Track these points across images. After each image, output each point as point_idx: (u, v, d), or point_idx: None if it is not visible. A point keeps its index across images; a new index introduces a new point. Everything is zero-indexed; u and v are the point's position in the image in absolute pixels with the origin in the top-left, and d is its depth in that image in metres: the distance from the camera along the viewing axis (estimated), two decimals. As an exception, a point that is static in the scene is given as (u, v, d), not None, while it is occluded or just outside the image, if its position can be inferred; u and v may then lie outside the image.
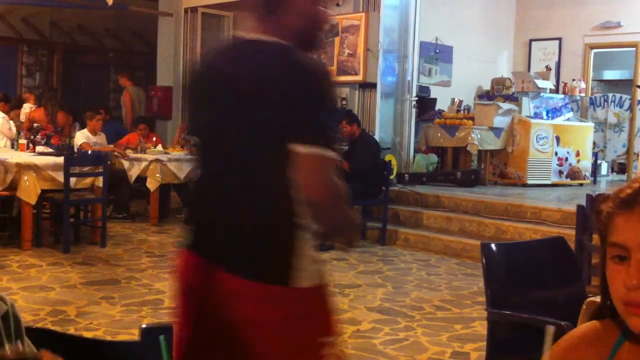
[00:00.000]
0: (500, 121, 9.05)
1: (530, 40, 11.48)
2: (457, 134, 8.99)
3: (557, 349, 1.20)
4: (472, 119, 9.19)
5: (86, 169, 6.84)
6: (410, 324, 4.61)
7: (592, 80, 11.81)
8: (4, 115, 8.68)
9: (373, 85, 8.65)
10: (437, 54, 10.34)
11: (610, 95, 12.02)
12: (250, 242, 1.78)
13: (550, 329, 2.47)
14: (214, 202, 1.88)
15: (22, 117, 9.57)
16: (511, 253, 2.97)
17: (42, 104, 9.27)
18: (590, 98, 11.68)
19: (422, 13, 9.14)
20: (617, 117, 11.71)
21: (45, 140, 7.84)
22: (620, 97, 11.80)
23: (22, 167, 6.40)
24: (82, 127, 8.61)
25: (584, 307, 2.11)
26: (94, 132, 8.18)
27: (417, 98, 9.22)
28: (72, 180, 6.53)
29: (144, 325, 1.47)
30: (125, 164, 8.11)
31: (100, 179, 6.77)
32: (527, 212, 7.14)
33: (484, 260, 2.80)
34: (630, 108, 11.31)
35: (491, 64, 10.95)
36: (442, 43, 10.36)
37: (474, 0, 10.89)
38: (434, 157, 9.53)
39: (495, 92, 9.88)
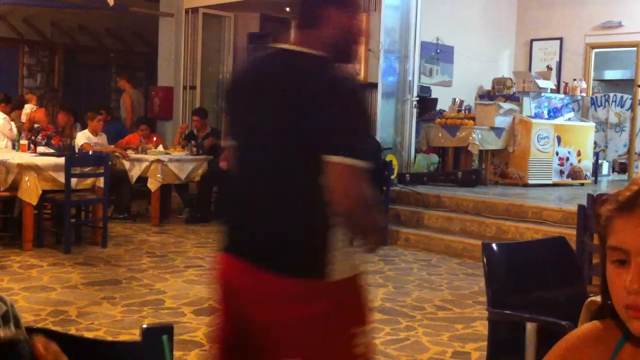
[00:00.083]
0: (501, 121, 9.05)
1: (531, 40, 11.47)
2: (458, 134, 8.99)
3: (558, 349, 1.20)
4: (473, 118, 9.19)
5: (87, 169, 6.84)
6: (411, 324, 4.61)
7: (593, 80, 11.81)
8: (4, 116, 8.69)
9: (374, 86, 8.65)
10: (438, 54, 10.34)
11: (611, 95, 12.02)
12: (287, 241, 1.88)
13: (532, 326, 2.49)
14: (252, 206, 1.96)
15: (23, 118, 9.58)
16: (512, 253, 2.96)
17: (43, 104, 9.29)
18: (591, 98, 11.68)
19: (422, 13, 9.14)
20: (618, 117, 11.70)
21: (45, 140, 7.85)
22: (622, 97, 11.79)
23: (23, 168, 6.41)
24: (83, 127, 8.61)
25: (585, 306, 2.11)
26: (95, 133, 8.18)
27: (418, 98, 9.22)
28: (73, 180, 6.53)
29: (144, 326, 1.47)
30: (126, 164, 8.11)
31: (101, 179, 6.77)
32: (528, 212, 7.13)
33: (485, 260, 2.80)
34: (632, 108, 11.30)
35: (492, 64, 10.94)
36: (443, 43, 10.35)
37: (474, 0, 10.88)
38: (434, 157, 9.53)
39: (496, 92, 9.88)
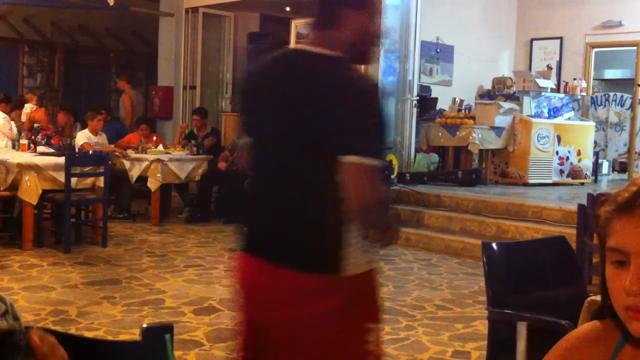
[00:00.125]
0: (501, 120, 9.05)
1: (531, 40, 11.46)
2: (458, 133, 8.99)
3: (558, 349, 1.20)
4: (473, 118, 9.19)
5: (87, 169, 6.84)
6: (411, 324, 4.61)
7: (593, 79, 11.80)
8: (4, 115, 8.69)
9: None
10: (438, 54, 10.33)
11: (611, 94, 12.02)
12: (305, 238, 1.92)
13: (523, 325, 2.51)
14: (269, 205, 2.00)
15: (23, 118, 9.58)
16: (512, 252, 2.96)
17: (43, 104, 9.29)
18: (592, 97, 11.67)
19: (423, 13, 9.14)
20: (618, 116, 11.70)
21: (45, 140, 7.85)
22: (622, 96, 11.79)
23: (23, 168, 6.41)
24: (83, 127, 8.61)
25: (585, 306, 2.11)
26: (95, 132, 8.18)
27: (418, 97, 9.22)
28: (73, 180, 6.53)
29: (144, 325, 1.46)
30: (126, 164, 8.11)
31: (101, 179, 6.77)
32: (528, 212, 7.13)
33: (485, 260, 2.80)
34: (632, 107, 11.29)
35: (492, 64, 10.94)
36: (443, 42, 10.35)
37: (474, 0, 10.88)
38: (435, 157, 9.53)
39: (497, 92, 9.88)
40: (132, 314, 4.63)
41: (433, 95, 10.01)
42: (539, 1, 11.34)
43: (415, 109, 9.14)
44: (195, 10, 10.78)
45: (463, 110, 9.62)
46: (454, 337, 4.38)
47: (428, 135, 9.31)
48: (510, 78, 10.05)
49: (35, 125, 8.50)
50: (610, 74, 13.71)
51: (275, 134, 1.97)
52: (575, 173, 9.43)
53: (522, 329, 2.57)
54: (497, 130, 9.04)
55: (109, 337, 4.07)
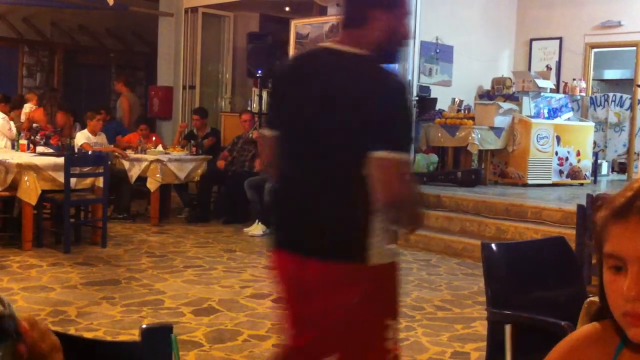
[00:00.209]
0: (501, 121, 9.05)
1: (531, 40, 11.46)
2: (457, 133, 8.99)
3: (558, 350, 1.20)
4: (473, 118, 9.18)
5: (86, 169, 6.84)
6: (410, 324, 4.60)
7: (593, 79, 11.80)
8: (4, 115, 8.68)
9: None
10: (437, 54, 10.33)
11: (610, 94, 12.01)
12: (337, 231, 2.01)
13: (509, 328, 2.54)
14: (301, 200, 2.09)
15: (23, 118, 9.57)
16: (512, 253, 2.96)
17: (42, 104, 9.28)
18: (591, 97, 11.67)
19: (422, 13, 9.13)
20: (617, 117, 11.70)
21: (44, 140, 7.84)
22: (621, 97, 11.78)
23: (22, 168, 6.40)
24: (83, 127, 8.61)
25: (585, 307, 2.10)
26: (94, 133, 8.18)
27: (417, 98, 9.21)
28: (73, 180, 6.53)
29: (144, 326, 1.47)
30: (126, 164, 8.11)
31: (101, 179, 6.77)
32: (527, 212, 7.13)
33: (484, 260, 2.80)
34: (631, 107, 11.29)
35: (492, 64, 10.94)
36: (443, 43, 10.35)
37: (474, 0, 10.88)
38: (434, 157, 9.53)
39: (496, 92, 9.88)
40: (131, 315, 4.63)
41: (432, 95, 10.00)
42: (538, 1, 11.34)
43: (414, 109, 9.14)
44: (194, 10, 10.79)
45: (462, 111, 9.62)
46: (453, 337, 4.38)
47: (427, 135, 9.30)
48: (510, 78, 10.05)
49: (34, 125, 8.49)
50: (610, 74, 13.71)
51: (305, 129, 2.04)
52: (574, 173, 9.43)
53: (507, 330, 2.61)
54: (497, 130, 9.04)
55: (109, 338, 4.07)
